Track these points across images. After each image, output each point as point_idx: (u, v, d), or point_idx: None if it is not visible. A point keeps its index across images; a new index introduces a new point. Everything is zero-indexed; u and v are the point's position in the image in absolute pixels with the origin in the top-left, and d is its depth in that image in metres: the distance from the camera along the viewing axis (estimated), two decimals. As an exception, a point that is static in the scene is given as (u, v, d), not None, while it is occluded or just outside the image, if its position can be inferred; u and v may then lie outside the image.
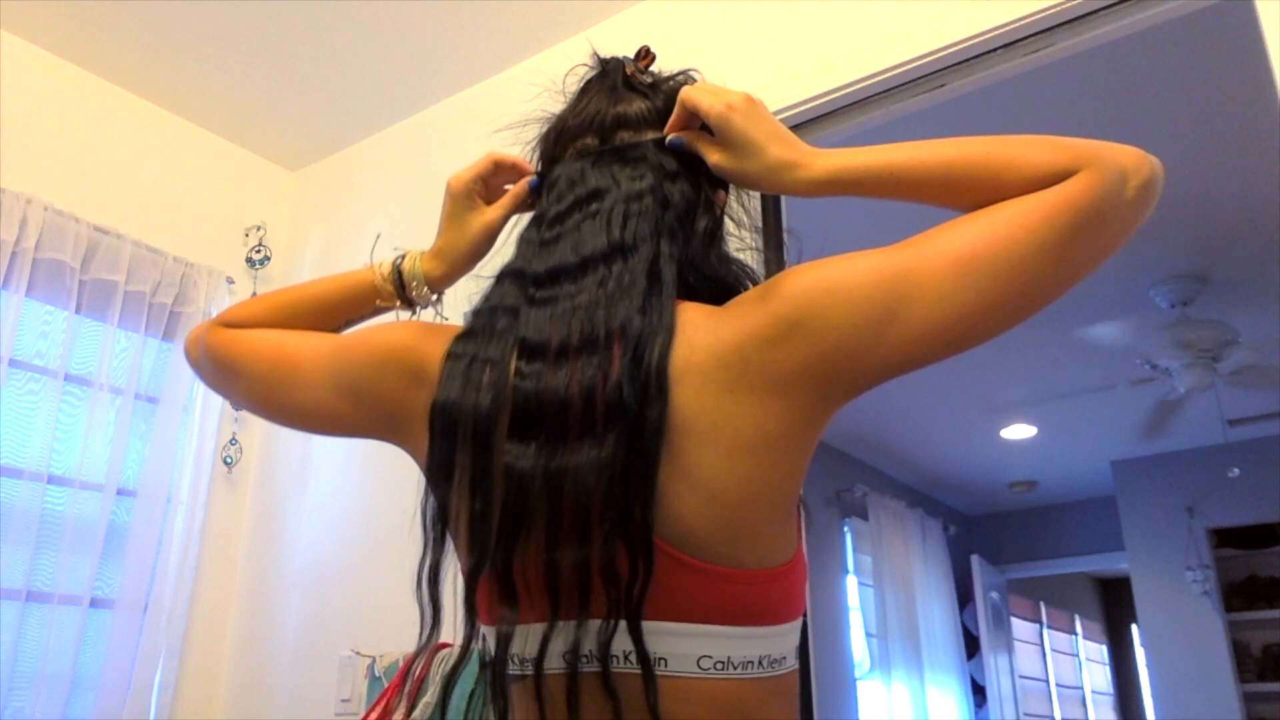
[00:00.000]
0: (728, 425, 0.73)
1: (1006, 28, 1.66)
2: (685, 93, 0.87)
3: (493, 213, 0.96)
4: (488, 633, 0.78)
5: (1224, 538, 5.20)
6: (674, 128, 0.89)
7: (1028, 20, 1.64)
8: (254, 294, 2.73)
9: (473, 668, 2.03)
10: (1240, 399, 4.32)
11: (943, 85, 1.78)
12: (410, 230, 2.60)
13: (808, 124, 1.90)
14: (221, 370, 0.98)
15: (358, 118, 2.73)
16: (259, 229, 2.76)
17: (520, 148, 1.00)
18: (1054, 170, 0.73)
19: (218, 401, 2.57)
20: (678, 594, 0.72)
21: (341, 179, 2.86)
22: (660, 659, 0.71)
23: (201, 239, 2.66)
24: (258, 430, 2.70)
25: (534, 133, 0.99)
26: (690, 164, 0.88)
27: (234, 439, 2.61)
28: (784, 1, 2.02)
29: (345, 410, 0.89)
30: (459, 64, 2.51)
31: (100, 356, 2.35)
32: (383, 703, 1.87)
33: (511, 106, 2.75)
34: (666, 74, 0.96)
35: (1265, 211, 2.96)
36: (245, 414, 2.65)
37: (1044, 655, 6.67)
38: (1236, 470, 4.58)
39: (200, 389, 2.54)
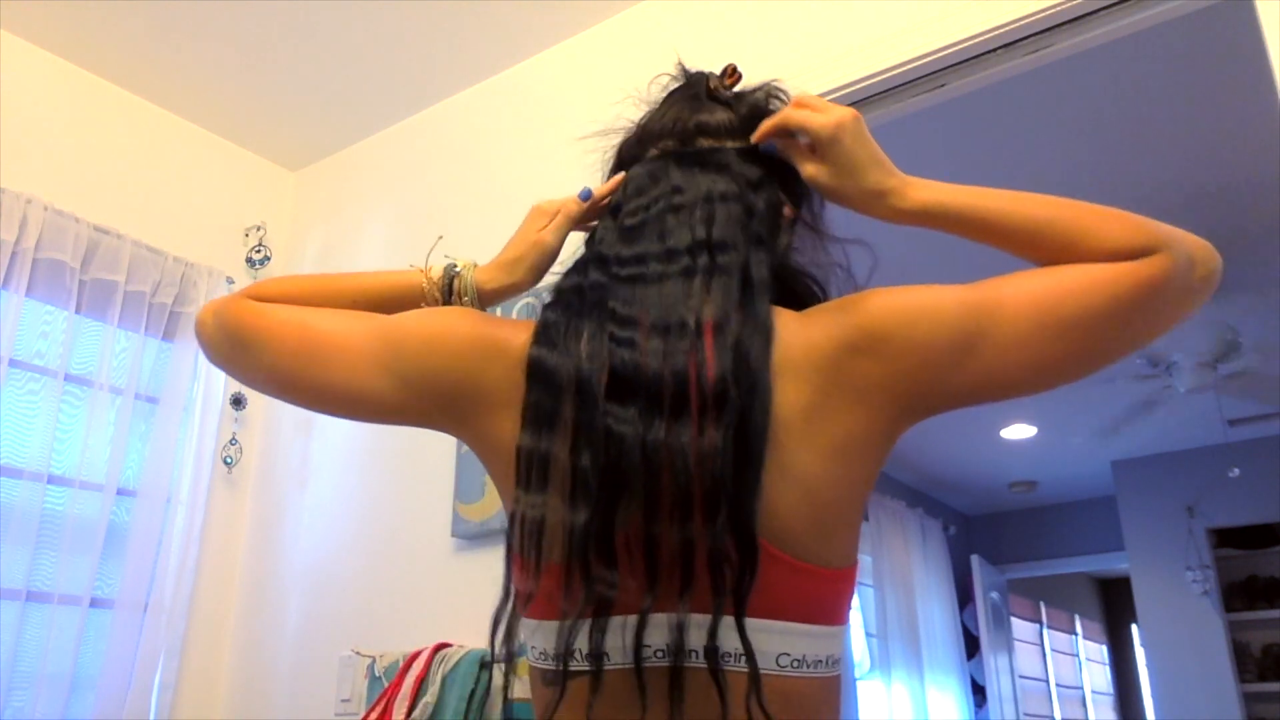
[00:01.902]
0: (823, 425, 0.76)
1: (1006, 28, 1.66)
2: (789, 115, 0.88)
3: (548, 235, 0.96)
4: (540, 628, 0.77)
5: (1224, 538, 5.20)
6: (765, 137, 0.90)
7: (1028, 20, 1.64)
8: (254, 294, 2.72)
9: (471, 668, 2.03)
10: (1240, 399, 4.32)
11: (943, 85, 1.78)
12: (411, 230, 2.60)
13: (808, 124, 1.89)
14: (239, 343, 0.90)
15: (358, 118, 2.73)
16: (259, 229, 2.76)
17: (596, 154, 1.01)
18: (1133, 248, 0.78)
19: (218, 401, 2.57)
20: (768, 590, 0.73)
21: (341, 179, 2.86)
22: (741, 655, 0.72)
23: (201, 239, 2.66)
24: (258, 430, 2.70)
25: (609, 141, 1.00)
26: (770, 177, 0.90)
27: (234, 439, 2.61)
28: (783, 2, 2.02)
29: (389, 395, 0.85)
30: (459, 64, 2.51)
31: (100, 356, 2.35)
32: (383, 703, 1.87)
33: (511, 106, 2.76)
34: (750, 88, 0.97)
35: (1265, 211, 2.96)
36: (245, 414, 2.65)
37: (1044, 655, 6.67)
38: (1236, 470, 4.58)
39: (200, 389, 2.54)
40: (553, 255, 0.97)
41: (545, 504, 0.74)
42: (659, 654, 0.73)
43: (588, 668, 0.72)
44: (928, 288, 0.79)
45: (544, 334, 0.80)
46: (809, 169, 0.88)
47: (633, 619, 0.72)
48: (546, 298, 0.87)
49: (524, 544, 0.74)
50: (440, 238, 1.07)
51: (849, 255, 0.95)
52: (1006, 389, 0.79)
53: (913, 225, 0.86)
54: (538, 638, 0.78)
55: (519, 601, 0.75)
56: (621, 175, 0.93)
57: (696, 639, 0.72)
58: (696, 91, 0.95)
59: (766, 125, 0.89)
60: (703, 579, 0.71)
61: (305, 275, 1.00)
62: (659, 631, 0.73)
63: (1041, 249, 0.82)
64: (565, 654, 0.72)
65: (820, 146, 0.86)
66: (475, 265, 0.97)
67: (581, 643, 0.72)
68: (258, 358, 0.89)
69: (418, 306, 0.94)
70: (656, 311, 0.78)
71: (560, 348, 0.78)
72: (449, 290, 0.96)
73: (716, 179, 0.87)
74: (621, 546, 0.73)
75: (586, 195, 0.96)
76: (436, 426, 0.88)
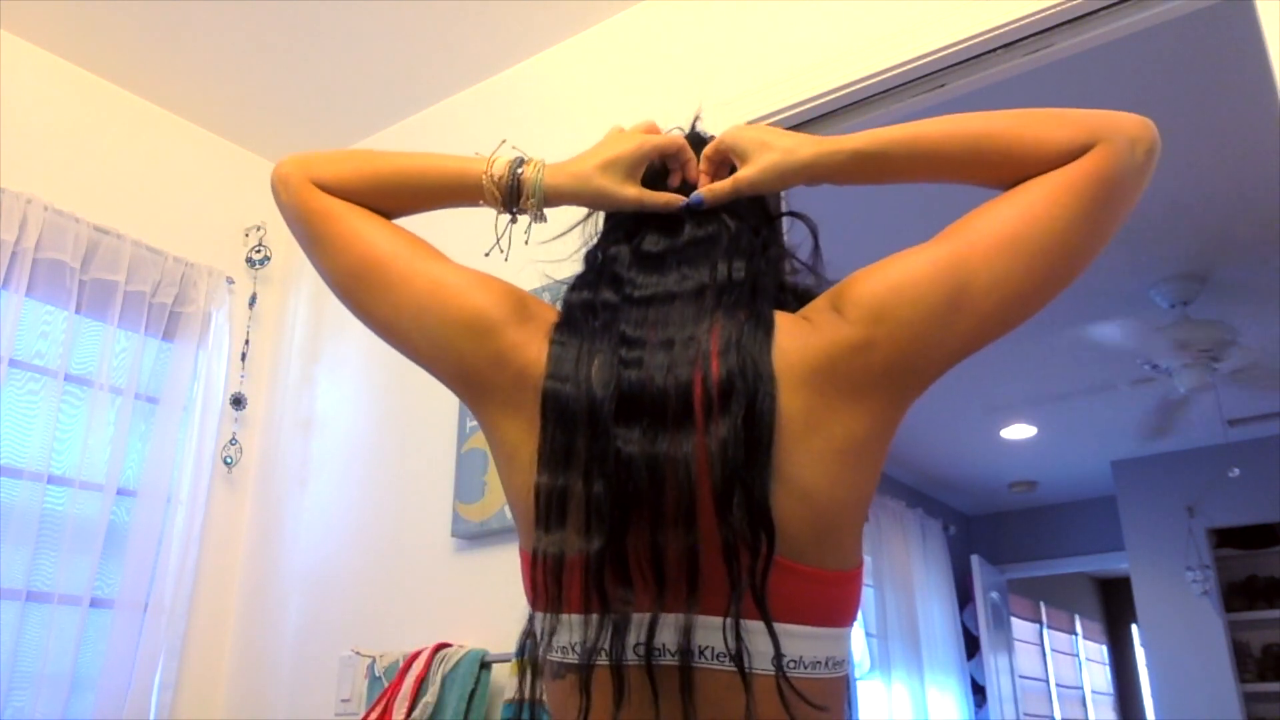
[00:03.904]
0: (820, 428, 0.76)
1: (1006, 28, 1.66)
2: (705, 151, 0.92)
3: (641, 196, 0.90)
4: (559, 622, 0.78)
5: (1224, 538, 5.19)
6: (702, 176, 0.93)
7: (1028, 20, 1.64)
8: (254, 295, 2.73)
9: (471, 667, 2.02)
10: (1240, 399, 4.32)
11: (943, 85, 1.78)
12: (410, 229, 2.59)
13: (808, 124, 1.90)
14: (306, 238, 0.96)
15: (357, 118, 2.73)
16: (259, 229, 2.76)
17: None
18: (1073, 147, 0.79)
19: (218, 401, 2.57)
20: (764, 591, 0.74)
21: (341, 179, 2.85)
22: (737, 657, 0.72)
23: (201, 239, 2.66)
24: (258, 430, 2.70)
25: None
26: (761, 205, 0.94)
27: (234, 439, 2.61)
28: (783, 2, 2.02)
29: (421, 347, 0.88)
30: (459, 64, 2.50)
31: (100, 356, 2.35)
32: (382, 703, 1.87)
33: (512, 106, 2.75)
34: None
35: (1265, 211, 2.96)
36: (245, 414, 2.65)
37: (1044, 655, 6.67)
38: (1236, 470, 4.57)
39: (200, 389, 2.54)
40: (623, 208, 0.92)
41: (564, 540, 0.76)
42: (656, 652, 0.74)
43: (604, 662, 0.74)
44: (899, 259, 0.80)
45: (557, 365, 0.81)
46: (737, 176, 0.88)
47: (647, 617, 0.74)
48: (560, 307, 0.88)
49: (546, 580, 0.76)
50: (504, 141, 1.02)
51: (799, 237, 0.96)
52: (997, 328, 0.80)
53: (850, 175, 0.85)
54: (558, 633, 0.79)
55: (541, 632, 0.78)
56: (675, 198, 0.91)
57: (703, 639, 0.73)
58: (697, 143, 0.97)
59: (698, 173, 0.93)
60: (713, 580, 0.72)
61: (363, 154, 0.96)
62: (668, 632, 0.74)
63: (983, 168, 0.82)
64: (592, 649, 0.74)
65: (732, 147, 0.89)
66: (544, 164, 0.92)
67: (604, 644, 0.74)
68: (319, 259, 0.95)
69: (476, 200, 0.93)
70: (664, 328, 0.80)
71: (573, 379, 0.79)
72: (514, 191, 0.91)
73: (737, 219, 0.89)
74: (634, 563, 0.75)
75: (698, 203, 0.90)
76: (454, 391, 0.90)
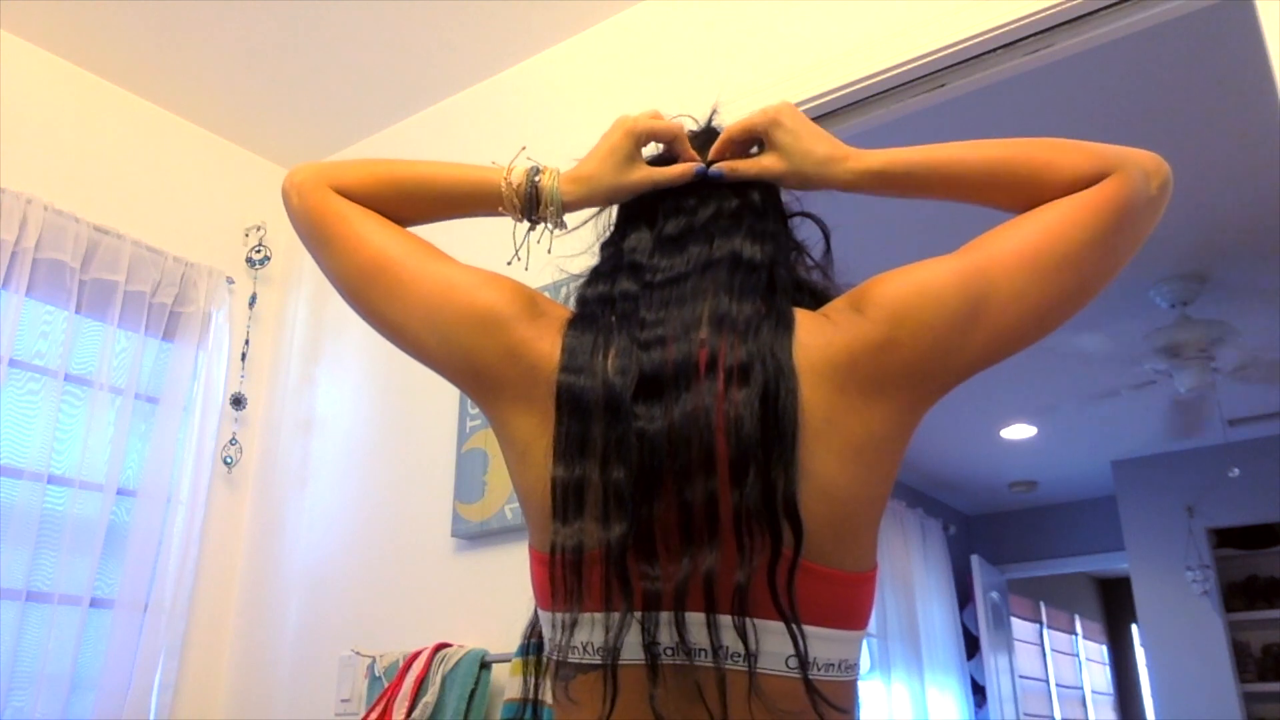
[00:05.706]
0: (840, 424, 0.77)
1: (1006, 28, 1.66)
2: (729, 129, 0.92)
3: (651, 174, 0.92)
4: (562, 620, 0.78)
5: (1224, 538, 5.19)
6: (720, 154, 0.93)
7: (1028, 20, 1.64)
8: (254, 295, 2.73)
9: (471, 667, 2.02)
10: (1240, 399, 4.32)
11: (943, 85, 1.78)
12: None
13: (808, 124, 1.89)
14: (315, 240, 0.95)
15: (358, 118, 2.73)
16: (259, 229, 2.76)
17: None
18: (1089, 174, 0.82)
19: (218, 401, 2.57)
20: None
21: (341, 179, 2.85)
22: (750, 656, 0.72)
23: (201, 239, 2.66)
24: (258, 430, 2.70)
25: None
26: (776, 197, 0.95)
27: (234, 439, 2.61)
28: (783, 1, 2.02)
29: (431, 347, 0.88)
30: (459, 64, 2.51)
31: (100, 356, 2.35)
32: (382, 703, 1.87)
33: (511, 107, 2.75)
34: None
35: (1265, 211, 2.96)
36: (245, 414, 2.65)
37: (1044, 655, 6.66)
38: (1236, 470, 4.57)
39: (200, 389, 2.54)
40: (639, 193, 0.93)
41: (583, 530, 0.76)
42: (670, 651, 0.74)
43: (628, 660, 0.73)
44: (922, 266, 0.81)
45: (571, 358, 0.81)
46: (762, 162, 0.90)
47: (667, 615, 0.73)
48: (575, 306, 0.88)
49: (565, 574, 0.75)
50: (524, 147, 1.04)
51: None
52: (1014, 343, 0.81)
53: (871, 187, 0.88)
54: (576, 630, 0.78)
55: (559, 628, 0.77)
56: (690, 166, 0.92)
57: (719, 637, 0.73)
58: (713, 139, 0.98)
59: (715, 149, 0.92)
60: (728, 570, 0.72)
61: (380, 162, 0.97)
62: (690, 629, 0.73)
63: (1001, 191, 0.85)
64: (614, 648, 0.73)
65: (767, 135, 0.90)
66: (559, 173, 0.94)
67: (621, 643, 0.73)
68: (328, 261, 0.94)
69: (494, 209, 0.94)
70: (691, 311, 0.81)
71: (588, 370, 0.79)
72: (532, 199, 0.93)
73: (754, 197, 0.90)
74: (660, 533, 0.75)
75: (702, 173, 0.92)
76: (465, 391, 0.91)
